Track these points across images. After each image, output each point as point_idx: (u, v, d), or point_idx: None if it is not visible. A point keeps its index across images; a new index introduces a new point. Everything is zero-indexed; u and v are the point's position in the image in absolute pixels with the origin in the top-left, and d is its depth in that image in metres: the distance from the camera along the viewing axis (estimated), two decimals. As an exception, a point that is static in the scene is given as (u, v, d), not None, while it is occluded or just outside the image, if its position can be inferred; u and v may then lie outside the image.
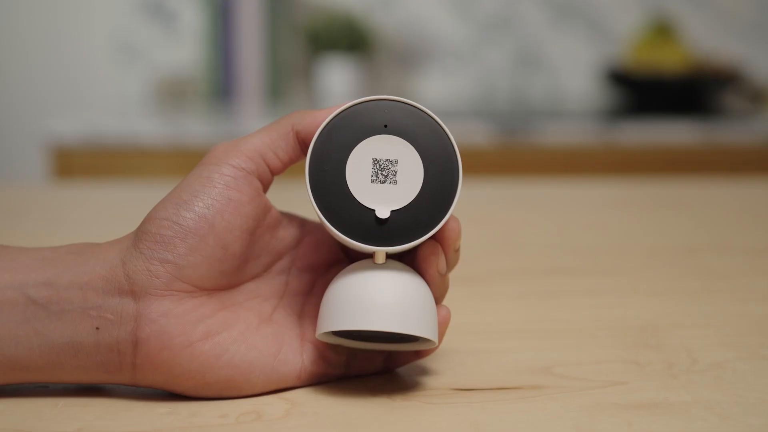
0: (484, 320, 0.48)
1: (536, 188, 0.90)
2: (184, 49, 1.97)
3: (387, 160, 0.36)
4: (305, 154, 0.37)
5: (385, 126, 0.36)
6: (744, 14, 2.07)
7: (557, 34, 2.05)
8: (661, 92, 1.80)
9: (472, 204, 0.80)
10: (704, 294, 0.54)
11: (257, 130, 0.38)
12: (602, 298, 0.53)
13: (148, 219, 0.36)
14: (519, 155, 1.63)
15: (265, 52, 1.82)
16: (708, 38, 2.06)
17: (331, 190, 0.36)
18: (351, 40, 1.86)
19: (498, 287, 0.55)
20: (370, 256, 0.38)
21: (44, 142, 1.60)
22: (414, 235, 0.36)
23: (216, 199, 0.36)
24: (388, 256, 0.38)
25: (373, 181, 0.36)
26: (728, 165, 1.65)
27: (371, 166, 0.36)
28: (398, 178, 0.36)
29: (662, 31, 1.85)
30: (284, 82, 1.86)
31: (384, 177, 0.36)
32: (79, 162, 1.58)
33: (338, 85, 1.85)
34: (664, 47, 1.83)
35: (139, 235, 0.36)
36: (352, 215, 0.36)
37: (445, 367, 0.41)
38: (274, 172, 0.38)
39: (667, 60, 1.82)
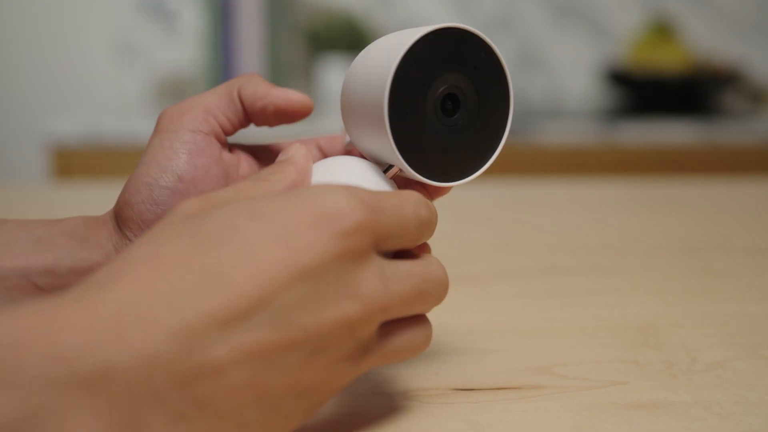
0: (484, 320, 0.48)
1: (536, 188, 0.90)
2: (184, 49, 1.97)
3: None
4: (249, 121, 0.37)
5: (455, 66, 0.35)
6: (744, 14, 2.07)
7: (557, 34, 2.05)
8: (661, 92, 1.80)
9: (472, 204, 0.80)
10: (704, 294, 0.54)
11: (204, 92, 0.38)
12: (602, 297, 0.53)
13: (124, 204, 0.36)
14: (519, 155, 1.63)
15: (265, 52, 1.82)
16: (708, 38, 2.06)
17: (408, 120, 0.35)
18: (351, 40, 1.86)
19: (498, 287, 0.55)
20: None
21: (44, 141, 1.60)
22: (472, 168, 0.37)
23: (184, 170, 0.36)
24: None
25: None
26: (728, 165, 1.65)
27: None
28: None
29: (662, 31, 1.85)
30: (284, 82, 1.86)
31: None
32: (78, 162, 1.58)
33: (338, 85, 1.86)
34: (664, 47, 1.83)
35: (122, 222, 0.36)
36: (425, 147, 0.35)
37: (445, 367, 0.41)
38: (226, 134, 0.38)
39: (667, 60, 1.82)
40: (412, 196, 0.32)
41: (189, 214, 0.29)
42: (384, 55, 0.35)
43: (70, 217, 0.38)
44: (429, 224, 0.32)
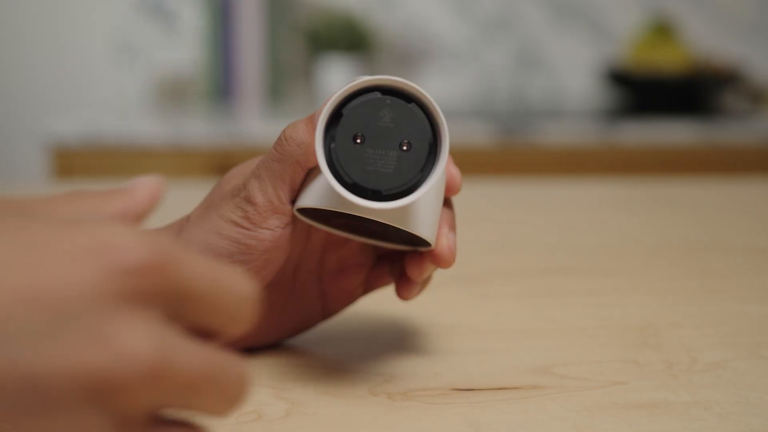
0: (484, 320, 0.48)
1: (536, 188, 0.90)
2: (184, 49, 1.97)
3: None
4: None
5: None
6: (744, 14, 2.07)
7: (557, 34, 2.05)
8: (661, 92, 1.80)
9: (471, 204, 0.80)
10: (704, 294, 0.54)
11: None
12: (602, 297, 0.53)
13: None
14: (519, 155, 1.63)
15: (265, 52, 1.82)
16: (708, 38, 2.06)
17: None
18: (351, 40, 1.86)
19: (498, 287, 0.55)
20: None
21: (44, 142, 1.60)
22: None
23: None
24: None
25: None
26: (728, 165, 1.65)
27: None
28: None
29: (662, 31, 1.85)
30: (284, 82, 1.86)
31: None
32: (78, 162, 1.58)
33: (338, 86, 1.85)
34: (664, 47, 1.83)
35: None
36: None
37: (445, 367, 0.41)
38: None
39: (667, 60, 1.82)
40: (232, 268, 0.26)
41: None
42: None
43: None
44: (249, 304, 0.25)
